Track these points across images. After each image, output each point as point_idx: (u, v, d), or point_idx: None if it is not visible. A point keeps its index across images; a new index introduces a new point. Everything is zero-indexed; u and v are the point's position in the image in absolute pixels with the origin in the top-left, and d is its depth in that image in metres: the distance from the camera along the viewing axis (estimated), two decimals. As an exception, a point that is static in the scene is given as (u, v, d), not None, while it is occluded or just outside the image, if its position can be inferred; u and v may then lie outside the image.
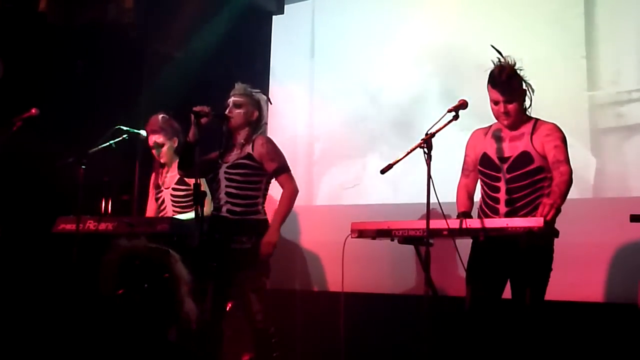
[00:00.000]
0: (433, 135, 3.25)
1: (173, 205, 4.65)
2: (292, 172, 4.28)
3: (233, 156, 4.17)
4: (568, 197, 3.55)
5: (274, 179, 4.26)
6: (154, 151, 4.75)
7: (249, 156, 4.12)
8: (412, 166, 4.70)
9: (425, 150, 3.21)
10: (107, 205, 4.79)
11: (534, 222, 3.13)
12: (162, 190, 4.75)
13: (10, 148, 4.51)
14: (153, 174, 4.90)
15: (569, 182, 3.45)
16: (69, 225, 4.34)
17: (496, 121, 3.73)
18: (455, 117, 3.38)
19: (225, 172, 4.13)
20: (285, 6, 6.28)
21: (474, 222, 3.31)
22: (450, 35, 5.42)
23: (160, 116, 4.73)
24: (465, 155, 3.85)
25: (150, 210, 4.83)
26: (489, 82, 3.63)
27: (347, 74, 5.90)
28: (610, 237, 4.45)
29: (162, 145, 4.71)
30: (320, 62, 6.08)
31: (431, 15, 5.57)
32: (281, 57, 6.28)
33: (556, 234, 3.40)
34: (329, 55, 6.04)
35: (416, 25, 5.63)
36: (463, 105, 3.42)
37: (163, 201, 4.73)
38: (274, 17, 6.33)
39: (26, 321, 4.91)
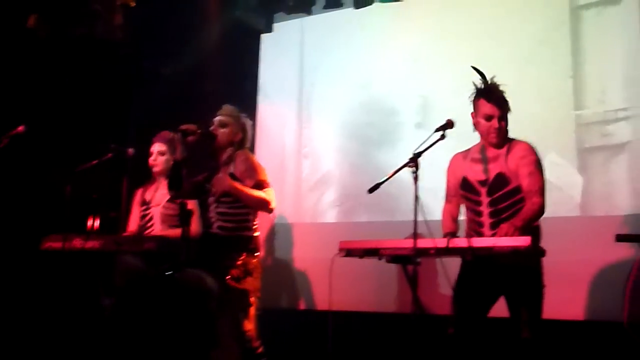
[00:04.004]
0: (420, 154, 3.26)
1: (162, 223, 4.62)
2: (273, 187, 4.22)
3: None
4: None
5: None
6: (150, 159, 4.69)
7: (232, 176, 4.11)
8: (401, 183, 4.71)
9: (413, 169, 3.22)
10: (94, 223, 4.76)
11: (521, 241, 3.13)
12: (150, 207, 4.71)
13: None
14: (139, 190, 4.84)
15: (537, 213, 3.44)
16: (55, 244, 4.30)
17: (475, 143, 3.73)
18: (442, 137, 3.39)
19: (214, 195, 4.13)
20: (274, 24, 6.31)
21: (460, 241, 3.31)
22: (437, 55, 5.46)
23: (173, 133, 4.65)
24: (446, 181, 3.83)
25: (133, 227, 4.78)
26: (482, 96, 3.61)
27: (336, 92, 5.93)
28: (597, 255, 4.47)
29: (163, 154, 4.64)
30: (309, 80, 6.11)
31: (419, 35, 5.62)
32: (270, 75, 6.31)
33: (542, 253, 3.40)
34: (318, 73, 6.06)
35: (404, 43, 5.68)
36: (449, 124, 3.43)
37: (151, 218, 4.69)
38: (262, 35, 6.36)
39: (12, 339, 4.87)
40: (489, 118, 3.58)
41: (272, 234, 5.88)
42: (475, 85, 3.64)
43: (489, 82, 3.62)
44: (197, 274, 4.04)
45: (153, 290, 4.05)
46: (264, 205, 4.10)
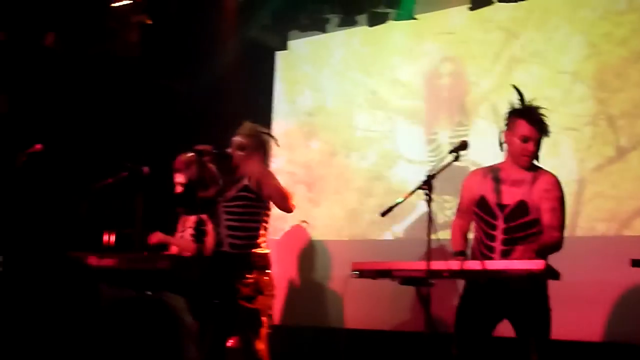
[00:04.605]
0: (434, 176, 3.24)
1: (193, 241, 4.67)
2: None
3: (232, 191, 4.16)
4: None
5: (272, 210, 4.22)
6: (177, 189, 4.74)
7: (245, 188, 4.09)
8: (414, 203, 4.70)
9: (427, 192, 3.20)
10: (110, 239, 4.80)
11: (535, 264, 3.11)
12: (185, 229, 4.78)
13: (14, 183, 4.54)
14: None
15: (554, 246, 3.39)
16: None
17: (497, 162, 3.69)
18: (457, 158, 3.37)
19: (225, 206, 4.12)
20: (288, 42, 6.34)
21: (474, 264, 3.29)
22: (450, 76, 5.50)
23: (187, 155, 4.64)
24: (460, 196, 3.74)
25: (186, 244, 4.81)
26: (523, 116, 3.49)
27: (349, 110, 5.95)
28: (614, 275, 4.44)
29: (183, 185, 4.68)
30: (322, 99, 6.13)
31: (435, 52, 5.64)
32: (284, 93, 6.34)
33: (556, 275, 3.36)
34: (331, 92, 6.09)
35: (419, 61, 5.70)
36: (463, 145, 3.41)
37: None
38: (277, 53, 6.39)
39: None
40: (525, 140, 3.47)
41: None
42: (512, 104, 3.56)
43: (528, 103, 3.54)
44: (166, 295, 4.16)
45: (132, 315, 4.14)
46: (286, 200, 3.98)
